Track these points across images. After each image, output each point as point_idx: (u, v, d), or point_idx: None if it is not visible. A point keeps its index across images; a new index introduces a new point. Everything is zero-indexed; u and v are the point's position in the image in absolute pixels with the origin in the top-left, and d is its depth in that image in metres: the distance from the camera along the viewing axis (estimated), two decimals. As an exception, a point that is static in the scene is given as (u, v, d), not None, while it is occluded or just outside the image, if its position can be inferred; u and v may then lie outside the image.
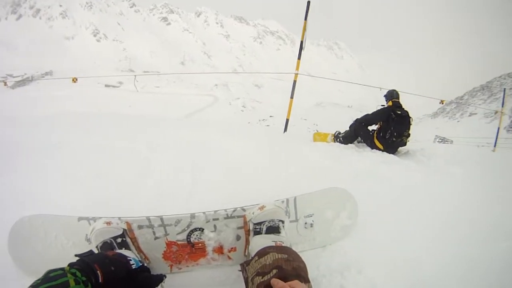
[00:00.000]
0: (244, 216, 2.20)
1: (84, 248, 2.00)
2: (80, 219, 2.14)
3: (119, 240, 2.01)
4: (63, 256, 2.07)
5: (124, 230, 2.07)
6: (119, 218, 2.12)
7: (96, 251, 1.96)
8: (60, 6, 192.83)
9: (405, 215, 2.94)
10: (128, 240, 2.08)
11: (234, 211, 2.21)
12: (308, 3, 7.33)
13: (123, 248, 2.00)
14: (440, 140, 39.38)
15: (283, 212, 2.20)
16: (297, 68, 7.43)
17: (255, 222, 2.12)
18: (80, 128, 5.44)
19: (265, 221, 2.10)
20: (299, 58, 7.49)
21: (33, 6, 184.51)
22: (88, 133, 4.84)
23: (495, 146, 12.72)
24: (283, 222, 2.16)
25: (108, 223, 2.02)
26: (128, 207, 2.66)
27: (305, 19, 7.33)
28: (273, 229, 2.09)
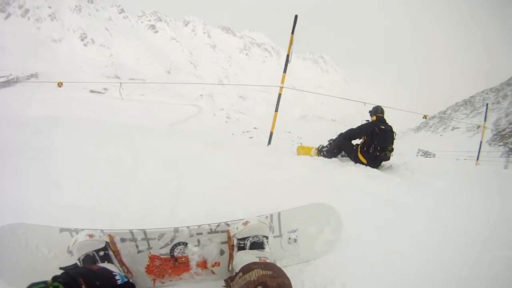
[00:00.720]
0: (228, 231, 2.19)
1: (65, 260, 1.98)
2: (62, 230, 2.10)
3: (101, 253, 1.98)
4: (44, 267, 2.05)
5: (107, 243, 2.04)
6: (102, 230, 2.08)
7: (78, 264, 1.94)
8: (49, 7, 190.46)
9: (389, 229, 2.97)
10: (111, 253, 2.04)
11: (218, 226, 2.21)
12: (296, 17, 7.40)
13: (106, 262, 1.97)
14: (423, 154, 40.03)
15: (267, 227, 2.20)
16: (282, 82, 7.46)
17: (239, 237, 2.11)
18: (64, 133, 5.36)
19: (249, 237, 2.09)
20: (284, 71, 7.52)
21: (22, 6, 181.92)
22: (73, 139, 4.76)
23: (477, 159, 12.96)
24: (267, 237, 2.15)
25: (91, 235, 1.99)
26: (112, 217, 2.64)
27: (292, 32, 7.39)
28: (257, 245, 2.08)
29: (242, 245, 2.09)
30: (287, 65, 7.47)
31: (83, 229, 2.08)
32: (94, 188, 3.18)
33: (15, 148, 4.02)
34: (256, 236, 2.10)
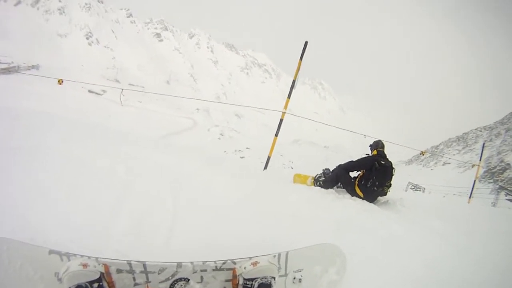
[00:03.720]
0: (234, 269, 2.09)
1: (52, 284, 1.85)
2: (51, 252, 1.94)
3: (95, 285, 1.84)
4: (28, 288, 1.88)
5: (102, 273, 1.89)
6: (97, 259, 1.93)
7: None
8: (60, 1, 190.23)
9: (389, 270, 2.93)
10: (105, 284, 1.90)
11: (224, 263, 2.10)
12: (306, 43, 7.36)
13: None
14: (413, 187, 40.30)
15: (276, 268, 2.12)
16: (285, 107, 7.38)
17: (246, 277, 2.03)
18: (58, 134, 5.25)
19: (257, 278, 2.02)
20: (289, 97, 7.45)
21: None
22: (67, 142, 4.65)
23: (470, 197, 13.00)
24: (274, 278, 2.08)
25: (85, 265, 1.84)
26: (103, 238, 2.49)
27: (300, 58, 7.33)
28: (265, 287, 2.01)
29: (249, 285, 2.03)
30: (291, 90, 7.39)
31: (75, 255, 1.92)
32: (86, 202, 3.01)
33: (5, 145, 3.89)
34: (265, 278, 2.04)
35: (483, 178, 56.33)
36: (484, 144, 16.38)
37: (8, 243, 1.92)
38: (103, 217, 2.79)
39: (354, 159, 6.21)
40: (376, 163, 5.85)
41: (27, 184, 3.05)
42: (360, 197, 5.79)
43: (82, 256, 1.92)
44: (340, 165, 6.19)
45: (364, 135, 8.61)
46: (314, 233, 2.95)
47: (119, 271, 1.94)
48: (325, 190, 5.88)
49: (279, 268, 2.23)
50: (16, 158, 3.52)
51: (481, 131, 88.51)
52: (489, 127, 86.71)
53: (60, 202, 2.88)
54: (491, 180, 55.67)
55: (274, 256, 2.22)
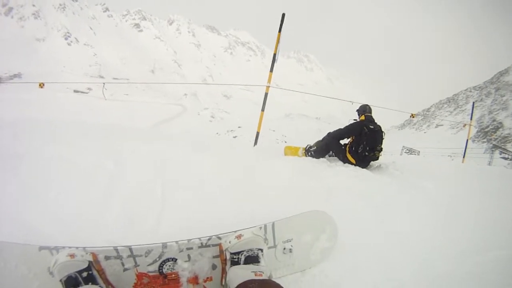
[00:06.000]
0: (220, 245, 2.08)
1: (46, 280, 1.87)
2: (41, 248, 1.95)
3: (84, 274, 1.85)
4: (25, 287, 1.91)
5: (90, 262, 1.90)
6: (84, 248, 1.94)
7: (60, 286, 1.83)
8: (33, 6, 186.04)
9: (384, 233, 2.91)
10: (95, 273, 1.91)
11: (209, 239, 2.09)
12: (283, 15, 7.29)
13: (90, 283, 1.85)
14: (407, 151, 40.65)
15: (262, 240, 2.10)
16: (269, 81, 7.34)
17: (232, 251, 2.02)
18: (45, 137, 5.15)
19: (243, 251, 2.01)
20: (271, 70, 7.39)
21: (6, 4, 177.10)
22: (54, 143, 4.57)
23: (464, 157, 13.13)
24: (262, 250, 2.07)
25: (72, 255, 1.85)
26: (94, 230, 2.49)
27: (279, 31, 7.27)
28: (252, 259, 1.99)
29: (236, 259, 2.01)
30: (273, 64, 7.34)
31: (63, 247, 1.93)
32: (75, 198, 2.99)
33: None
34: (251, 250, 2.02)
35: (477, 138, 56.94)
36: (474, 103, 16.37)
37: (1, 245, 1.94)
38: (93, 210, 2.79)
39: (343, 127, 6.19)
40: (364, 128, 5.84)
41: (15, 190, 3.03)
42: (352, 164, 5.78)
43: (70, 247, 1.93)
44: (329, 133, 6.17)
45: (352, 102, 8.58)
46: (306, 203, 2.95)
47: (107, 258, 1.96)
48: (317, 160, 5.85)
49: (266, 239, 2.22)
50: (4, 167, 3.49)
51: (471, 91, 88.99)
52: (479, 87, 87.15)
53: (50, 202, 2.87)
54: (485, 140, 56.22)
55: (260, 227, 2.21)
